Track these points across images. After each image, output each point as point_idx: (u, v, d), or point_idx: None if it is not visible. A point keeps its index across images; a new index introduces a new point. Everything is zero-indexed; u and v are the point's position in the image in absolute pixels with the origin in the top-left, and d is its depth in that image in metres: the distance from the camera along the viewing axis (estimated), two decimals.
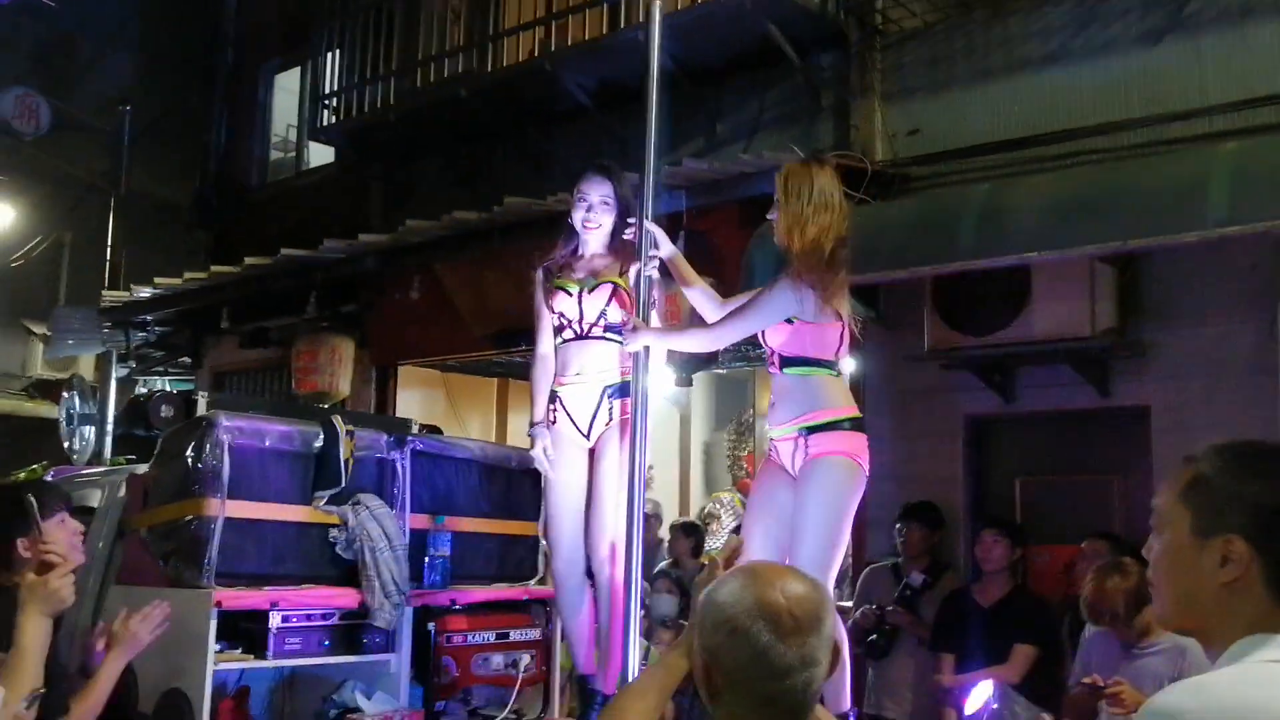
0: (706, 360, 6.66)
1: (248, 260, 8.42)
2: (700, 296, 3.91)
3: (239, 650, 3.58)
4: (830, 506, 3.46)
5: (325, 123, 8.96)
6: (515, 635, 4.33)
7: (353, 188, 9.50)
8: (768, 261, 5.91)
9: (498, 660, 4.24)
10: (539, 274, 4.13)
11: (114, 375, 10.76)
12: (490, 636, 4.24)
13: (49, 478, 4.67)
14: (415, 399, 9.20)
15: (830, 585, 3.52)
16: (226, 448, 3.63)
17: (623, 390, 3.81)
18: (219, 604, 3.43)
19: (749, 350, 8.06)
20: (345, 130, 8.84)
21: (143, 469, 4.11)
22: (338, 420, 3.97)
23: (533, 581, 4.67)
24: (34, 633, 2.65)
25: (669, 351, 5.43)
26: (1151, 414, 5.56)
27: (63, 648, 3.01)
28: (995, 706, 4.32)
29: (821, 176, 3.60)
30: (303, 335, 8.55)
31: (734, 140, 7.20)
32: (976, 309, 5.79)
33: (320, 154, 10.27)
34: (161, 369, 10.91)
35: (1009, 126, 6.07)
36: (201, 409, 4.19)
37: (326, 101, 8.93)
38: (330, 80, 9.02)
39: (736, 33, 6.86)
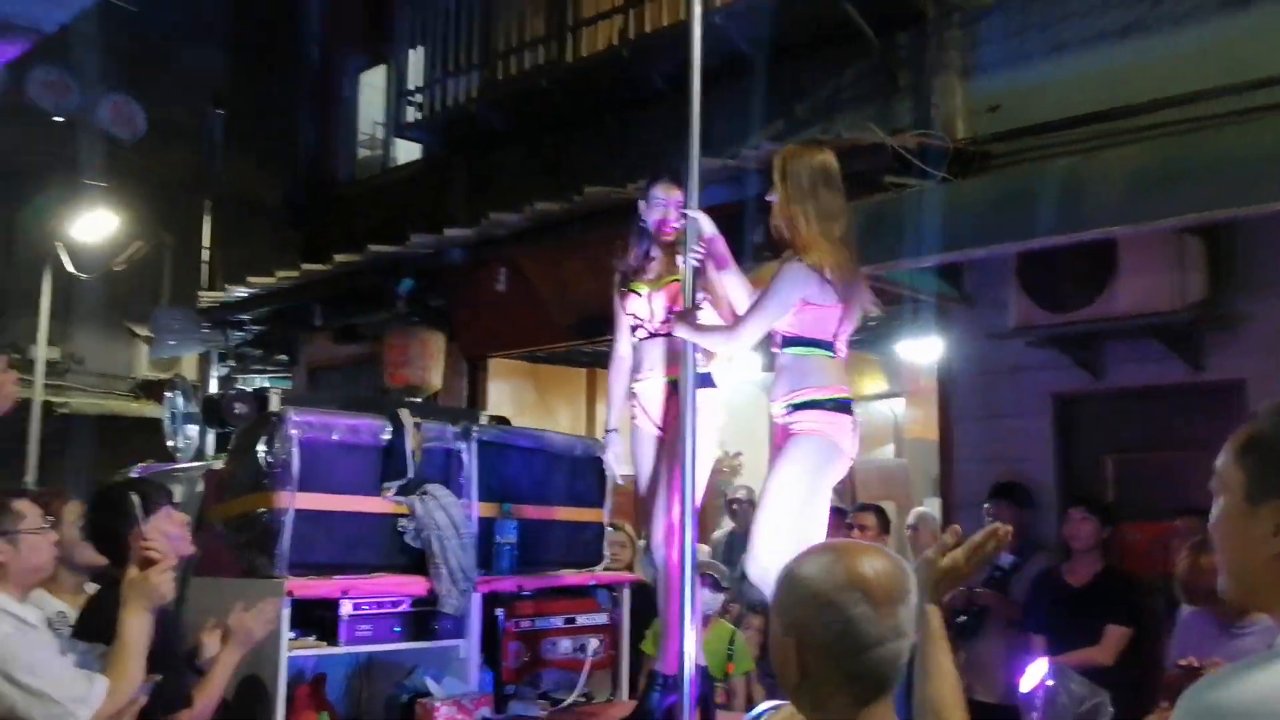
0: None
1: (337, 257, 8.62)
2: (735, 281, 3.90)
3: (312, 638, 3.69)
4: (791, 478, 3.53)
5: (409, 119, 9.12)
6: (582, 620, 4.41)
7: (438, 182, 9.66)
8: None
9: (566, 645, 4.34)
10: (616, 277, 4.25)
11: (214, 374, 11.11)
12: (558, 621, 4.33)
13: (135, 474, 4.86)
14: (505, 390, 9.34)
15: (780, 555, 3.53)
16: (295, 442, 3.74)
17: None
18: (291, 593, 3.53)
19: None
20: (428, 125, 8.99)
21: (219, 464, 4.26)
22: (404, 413, 4.08)
23: (599, 567, 4.74)
24: (137, 628, 2.75)
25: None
26: (1247, 387, 5.43)
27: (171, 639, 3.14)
28: (1050, 684, 4.27)
29: (823, 157, 3.67)
30: (393, 330, 8.72)
31: (812, 121, 7.17)
32: (1061, 285, 5.71)
33: (408, 150, 10.46)
34: (260, 366, 11.22)
35: (1090, 99, 5.95)
36: (274, 405, 4.30)
37: (410, 98, 9.10)
38: (413, 76, 9.19)
39: (813, 12, 6.84)
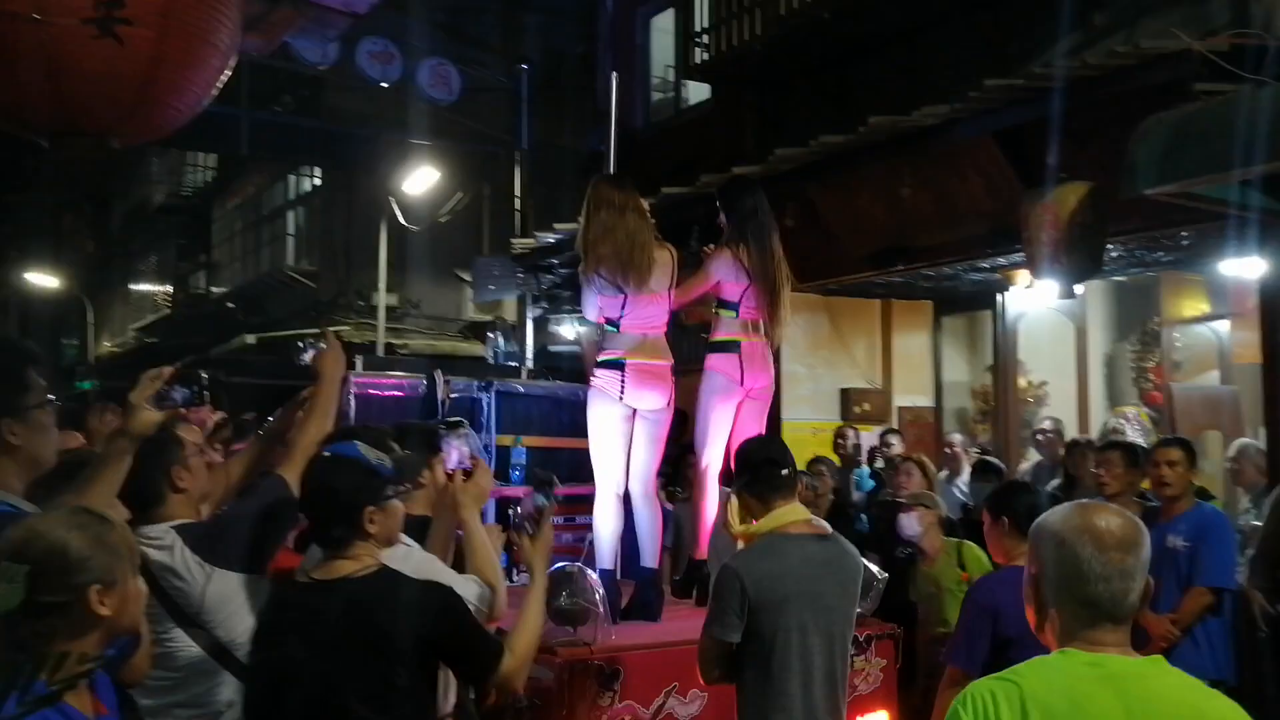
0: (1091, 269, 6.30)
1: None
2: None
3: None
4: (588, 421, 4.88)
5: (697, 60, 9.25)
6: (580, 520, 5.57)
7: (727, 122, 9.76)
8: (1153, 159, 5.52)
9: (567, 537, 5.61)
10: None
11: (530, 315, 11.82)
12: (559, 520, 5.44)
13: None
14: (799, 325, 9.36)
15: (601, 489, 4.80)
16: (350, 395, 5.31)
17: None
18: None
19: (1146, 256, 7.55)
20: (716, 65, 9.08)
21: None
22: (438, 374, 5.80)
23: None
24: (480, 530, 3.13)
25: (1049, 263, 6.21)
26: None
27: None
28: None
29: (596, 191, 4.80)
30: (687, 270, 8.93)
31: (1115, 30, 6.71)
32: None
33: (698, 91, 10.62)
34: (569, 308, 11.81)
35: None
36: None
37: (697, 39, 9.22)
38: (700, 17, 9.30)
39: None
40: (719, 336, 5.07)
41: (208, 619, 2.85)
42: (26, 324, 31.68)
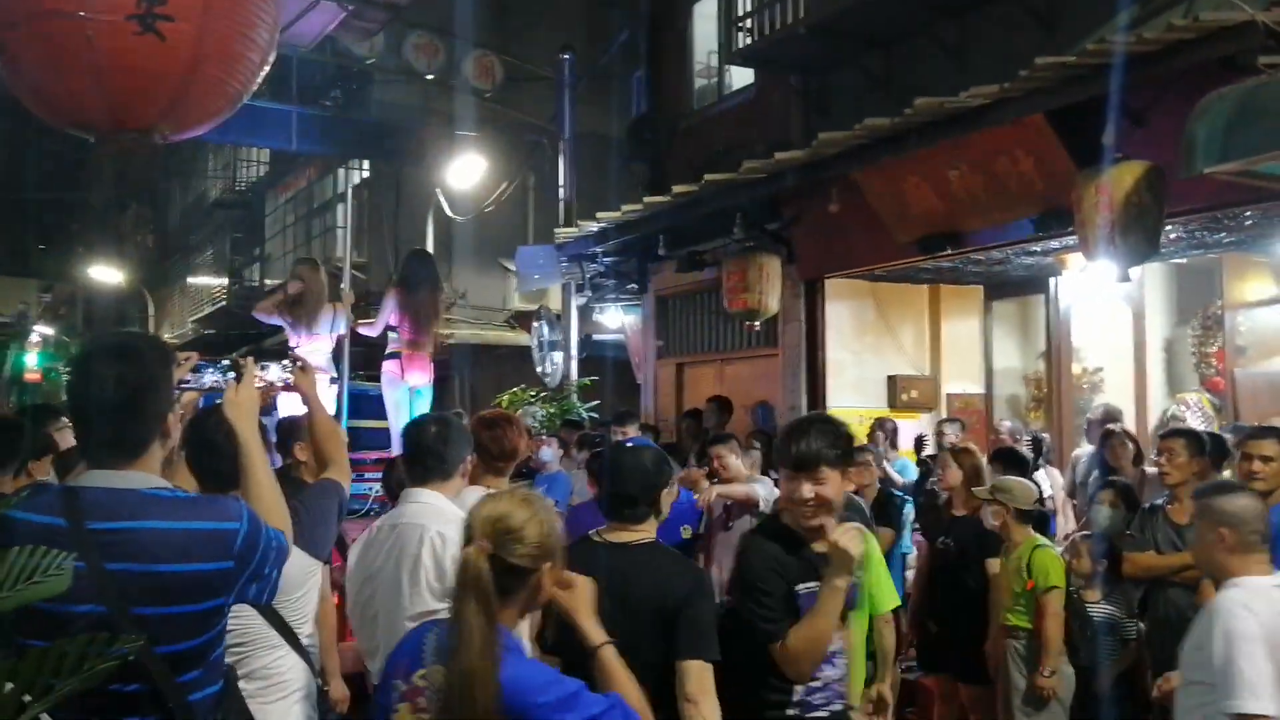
0: (1148, 251, 6.11)
1: (675, 188, 8.80)
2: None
3: None
4: None
5: (740, 45, 9.12)
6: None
7: (771, 106, 9.62)
8: (1214, 136, 5.32)
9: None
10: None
11: (574, 304, 11.76)
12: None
13: None
14: (844, 311, 9.25)
15: None
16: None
17: None
18: None
19: (1207, 236, 7.32)
20: (759, 50, 8.94)
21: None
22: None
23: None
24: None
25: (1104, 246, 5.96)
26: None
27: None
28: None
29: (307, 270, 7.75)
30: (731, 256, 8.84)
31: (1173, 3, 6.48)
32: None
33: (741, 76, 10.48)
34: (613, 296, 11.75)
35: None
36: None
37: (739, 24, 9.08)
38: (743, 2, 9.16)
39: None
40: (390, 349, 8.02)
41: (281, 597, 2.90)
42: (91, 317, 32.28)
